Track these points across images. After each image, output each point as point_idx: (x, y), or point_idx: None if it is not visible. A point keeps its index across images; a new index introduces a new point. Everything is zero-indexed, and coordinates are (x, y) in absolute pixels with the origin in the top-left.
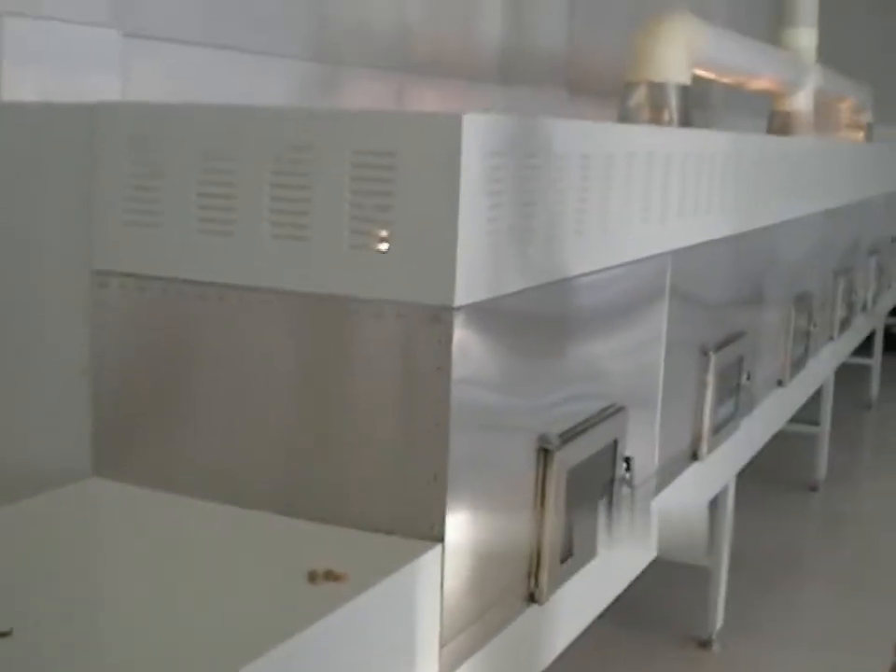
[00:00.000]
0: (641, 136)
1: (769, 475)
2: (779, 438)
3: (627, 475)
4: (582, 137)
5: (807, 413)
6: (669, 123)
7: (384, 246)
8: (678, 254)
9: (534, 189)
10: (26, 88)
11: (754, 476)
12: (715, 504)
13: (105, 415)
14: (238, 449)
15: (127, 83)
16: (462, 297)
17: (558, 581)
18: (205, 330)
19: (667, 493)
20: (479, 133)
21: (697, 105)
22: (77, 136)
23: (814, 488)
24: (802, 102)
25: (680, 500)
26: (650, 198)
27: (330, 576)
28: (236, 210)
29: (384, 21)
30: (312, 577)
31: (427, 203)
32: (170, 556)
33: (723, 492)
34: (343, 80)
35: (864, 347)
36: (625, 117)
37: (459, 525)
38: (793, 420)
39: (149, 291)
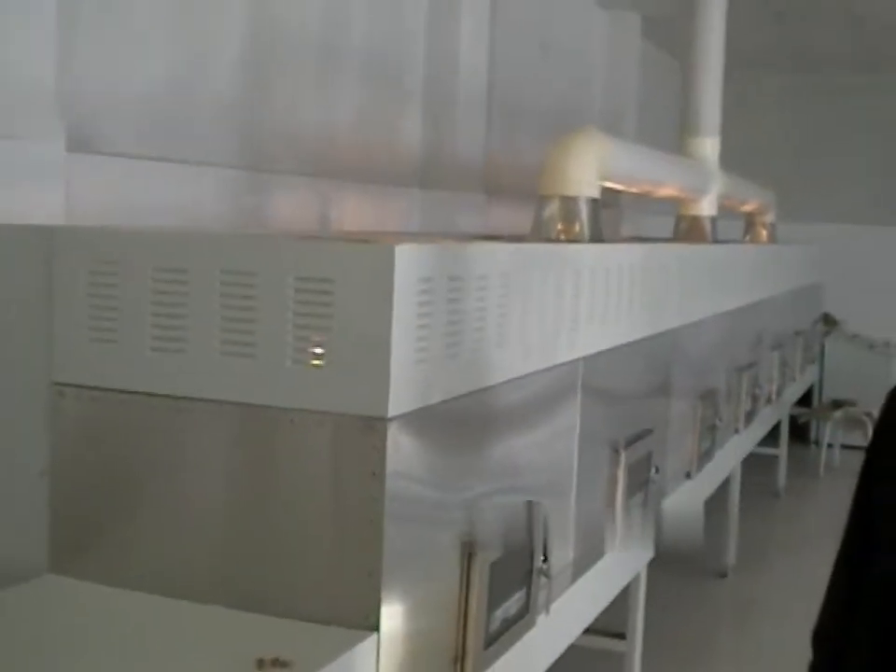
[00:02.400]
0: (553, 254)
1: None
2: None
3: (545, 566)
4: (500, 259)
5: (717, 503)
6: (580, 235)
7: (323, 363)
8: (588, 359)
9: (459, 309)
10: None
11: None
12: (628, 592)
13: (61, 516)
14: (188, 548)
15: (70, 195)
16: (395, 408)
17: (482, 667)
18: (157, 438)
19: (582, 582)
20: (409, 261)
21: (606, 205)
22: (38, 257)
23: (723, 575)
24: (706, 206)
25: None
26: (562, 308)
27: (277, 663)
28: (188, 329)
29: (311, 130)
30: (260, 665)
31: (363, 324)
32: (125, 648)
33: (636, 580)
34: (272, 187)
35: (773, 437)
36: (539, 228)
37: (393, 616)
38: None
39: (105, 402)
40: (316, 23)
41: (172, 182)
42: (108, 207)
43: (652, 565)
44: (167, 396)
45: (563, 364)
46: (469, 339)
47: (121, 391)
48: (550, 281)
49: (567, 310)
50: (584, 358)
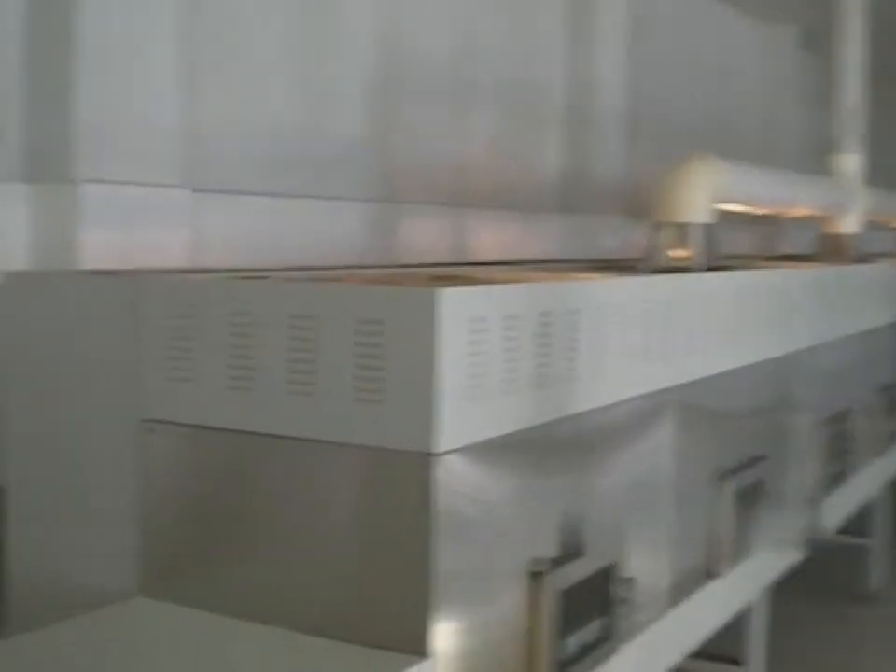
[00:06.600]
0: (630, 288)
1: (823, 589)
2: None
3: (627, 595)
4: (564, 295)
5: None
6: (691, 261)
7: (378, 400)
8: (686, 387)
9: (517, 347)
10: (107, 249)
11: (804, 589)
12: (747, 621)
13: (151, 543)
14: (268, 576)
15: (199, 235)
16: (445, 443)
17: None
18: (235, 470)
19: (680, 609)
20: (455, 304)
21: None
22: (126, 302)
23: (869, 600)
24: (849, 224)
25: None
26: (649, 339)
27: None
28: (257, 369)
29: (443, 159)
30: None
31: (413, 364)
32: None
33: (757, 608)
34: (404, 218)
35: None
36: (651, 255)
37: (449, 642)
38: (846, 532)
39: (187, 437)
40: (447, 52)
41: (303, 218)
42: (236, 245)
43: (779, 587)
44: (239, 431)
45: (651, 393)
46: (532, 374)
47: (201, 427)
48: (631, 314)
49: (654, 339)
50: (680, 386)
